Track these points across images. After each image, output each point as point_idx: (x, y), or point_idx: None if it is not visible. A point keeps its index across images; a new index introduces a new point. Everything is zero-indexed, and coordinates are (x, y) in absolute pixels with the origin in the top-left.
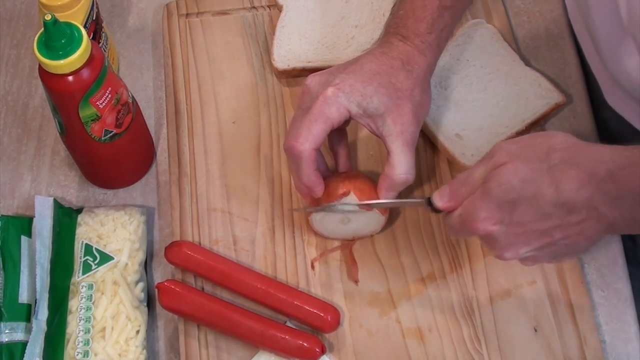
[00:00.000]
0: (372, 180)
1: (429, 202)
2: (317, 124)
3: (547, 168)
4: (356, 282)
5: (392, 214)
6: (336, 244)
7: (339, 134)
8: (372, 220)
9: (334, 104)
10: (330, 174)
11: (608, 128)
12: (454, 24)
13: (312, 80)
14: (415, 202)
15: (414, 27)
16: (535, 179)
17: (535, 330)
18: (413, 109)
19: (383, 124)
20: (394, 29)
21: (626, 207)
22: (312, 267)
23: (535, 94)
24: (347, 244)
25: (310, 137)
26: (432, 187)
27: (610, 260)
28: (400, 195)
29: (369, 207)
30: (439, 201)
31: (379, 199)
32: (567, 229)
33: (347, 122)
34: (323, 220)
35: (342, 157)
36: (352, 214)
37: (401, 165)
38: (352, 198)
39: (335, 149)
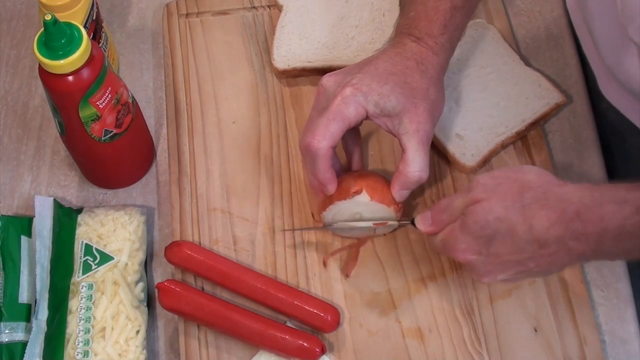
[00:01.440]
0: (385, 178)
1: (413, 223)
2: (335, 122)
3: (521, 207)
4: (347, 276)
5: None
6: (337, 242)
7: (352, 133)
8: (385, 220)
9: (352, 103)
10: (343, 173)
11: (606, 120)
12: (465, 23)
13: (327, 80)
14: (401, 224)
15: (426, 29)
16: (509, 218)
17: (535, 330)
18: (429, 108)
19: (399, 123)
20: (406, 29)
21: (592, 242)
22: (325, 264)
23: (535, 94)
24: (360, 242)
25: (328, 135)
26: (432, 187)
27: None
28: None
29: (380, 223)
30: (421, 225)
31: (392, 197)
32: (539, 259)
33: (361, 121)
34: (335, 216)
35: (356, 156)
36: (365, 213)
37: (416, 163)
38: (365, 196)
39: (349, 147)
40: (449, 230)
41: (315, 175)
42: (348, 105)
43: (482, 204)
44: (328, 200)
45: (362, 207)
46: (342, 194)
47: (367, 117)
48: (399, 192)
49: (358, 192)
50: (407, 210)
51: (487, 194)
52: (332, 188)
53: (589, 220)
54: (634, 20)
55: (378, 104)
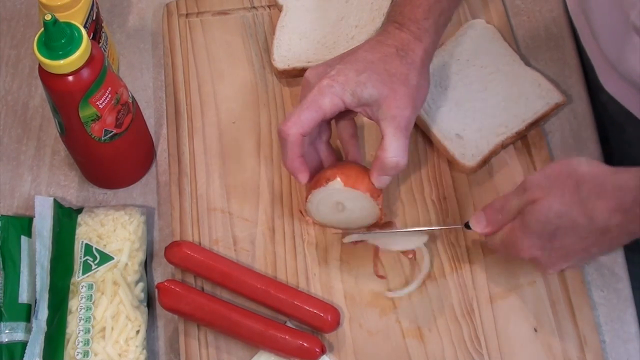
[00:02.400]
0: (365, 167)
1: (466, 226)
2: (308, 111)
3: (579, 200)
4: (381, 277)
5: (391, 211)
6: (336, 242)
7: (347, 125)
8: (367, 208)
9: (327, 94)
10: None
11: (606, 111)
12: (452, 9)
13: (310, 73)
14: (452, 227)
15: (410, 14)
16: (569, 213)
17: (535, 330)
18: (409, 94)
19: (378, 109)
20: (392, 17)
21: None
22: (379, 276)
23: (535, 94)
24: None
25: (299, 123)
26: (432, 187)
27: (610, 260)
28: (399, 192)
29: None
30: (478, 227)
31: (368, 183)
32: (602, 245)
33: (352, 112)
34: (318, 207)
35: (351, 148)
36: (346, 202)
37: (392, 148)
38: (338, 183)
39: (344, 139)
40: (509, 230)
41: (284, 163)
42: (324, 96)
43: (541, 203)
44: (308, 192)
45: (339, 194)
46: (317, 182)
47: (345, 108)
48: (377, 178)
49: (331, 179)
50: (395, 210)
51: (544, 192)
52: (302, 177)
53: None
54: (635, 6)
55: (355, 93)
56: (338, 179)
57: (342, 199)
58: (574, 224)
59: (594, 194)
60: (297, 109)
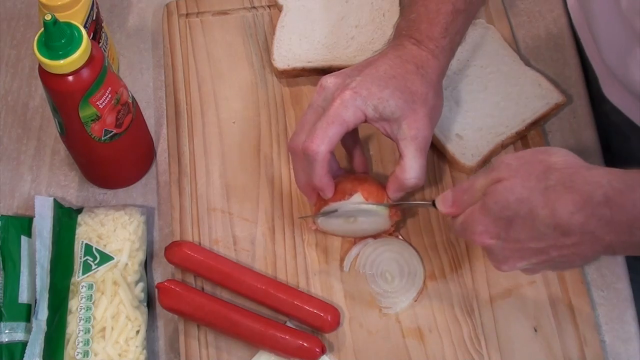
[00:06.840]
0: (381, 182)
1: (434, 204)
2: (334, 126)
3: (544, 188)
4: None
5: None
6: (336, 242)
7: (351, 133)
8: (379, 222)
9: (351, 107)
10: (343, 173)
11: (609, 121)
12: (466, 27)
13: (327, 81)
14: (421, 204)
15: (427, 31)
16: (530, 199)
17: (535, 330)
18: (428, 114)
19: (398, 128)
20: (406, 31)
21: (622, 231)
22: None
23: (535, 94)
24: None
25: (327, 140)
26: (432, 186)
27: (610, 260)
28: (406, 195)
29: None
30: (442, 206)
31: (387, 200)
32: (562, 249)
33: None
34: (329, 219)
35: (357, 155)
36: (359, 215)
37: (412, 169)
38: (359, 198)
39: (349, 147)
40: (468, 212)
41: (312, 180)
42: (347, 109)
43: (503, 184)
44: (323, 202)
45: (353, 207)
46: (337, 196)
47: (365, 121)
48: (393, 196)
49: (352, 194)
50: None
51: (510, 173)
52: (329, 192)
53: (620, 205)
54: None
55: (377, 108)
56: (359, 194)
57: (357, 213)
58: (533, 214)
59: (562, 184)
60: (321, 123)
